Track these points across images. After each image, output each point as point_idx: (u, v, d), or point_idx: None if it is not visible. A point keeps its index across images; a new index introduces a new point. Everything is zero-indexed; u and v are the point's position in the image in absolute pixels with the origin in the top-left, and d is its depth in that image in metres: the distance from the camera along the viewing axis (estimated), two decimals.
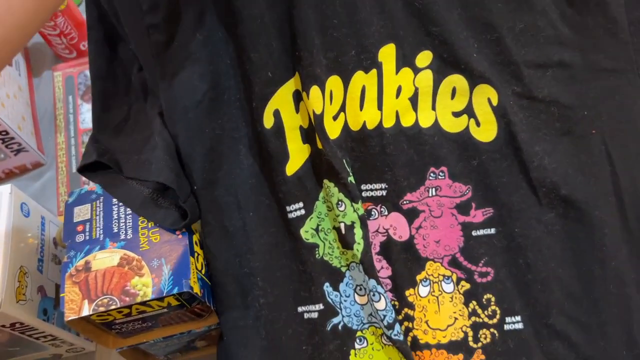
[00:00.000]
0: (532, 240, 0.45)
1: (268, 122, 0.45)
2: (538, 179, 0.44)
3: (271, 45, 0.43)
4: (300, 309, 0.46)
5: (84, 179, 0.64)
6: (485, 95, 0.44)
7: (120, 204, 0.50)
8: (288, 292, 0.46)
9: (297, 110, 0.45)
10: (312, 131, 0.45)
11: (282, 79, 0.44)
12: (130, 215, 0.50)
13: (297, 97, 0.44)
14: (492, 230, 0.45)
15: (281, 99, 0.44)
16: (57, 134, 0.68)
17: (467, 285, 0.45)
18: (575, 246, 0.45)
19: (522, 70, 0.44)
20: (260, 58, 0.43)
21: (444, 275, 0.45)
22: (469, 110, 0.45)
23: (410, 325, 0.45)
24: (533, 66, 0.44)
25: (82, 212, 0.50)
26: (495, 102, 0.44)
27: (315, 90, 0.43)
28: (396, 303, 0.45)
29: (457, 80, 0.44)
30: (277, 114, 0.44)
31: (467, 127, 0.45)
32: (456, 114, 0.45)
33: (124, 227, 0.49)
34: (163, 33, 0.44)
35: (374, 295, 0.43)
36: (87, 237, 0.49)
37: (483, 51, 0.44)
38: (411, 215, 0.45)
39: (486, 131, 0.45)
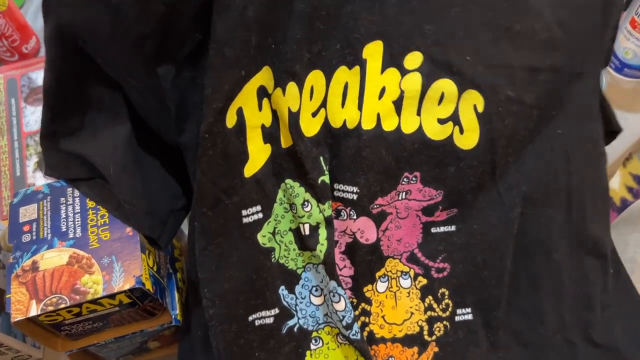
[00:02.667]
0: (491, 238, 0.45)
1: (230, 121, 0.41)
2: (502, 177, 0.44)
3: (249, 41, 0.39)
4: (251, 318, 0.45)
5: (29, 181, 0.63)
6: (472, 102, 0.42)
7: (69, 203, 0.49)
8: (237, 303, 0.45)
9: (260, 108, 0.42)
10: (275, 129, 0.43)
11: (250, 74, 0.40)
12: (79, 214, 0.49)
13: (262, 93, 0.41)
14: (452, 228, 0.45)
15: (245, 96, 0.41)
16: None
17: (424, 281, 0.46)
18: (527, 241, 0.46)
19: (517, 74, 0.42)
20: (234, 53, 0.39)
21: (402, 272, 0.46)
22: (454, 117, 0.43)
23: (367, 320, 0.45)
24: (526, 70, 0.42)
25: (28, 212, 0.49)
26: (480, 109, 0.42)
27: (292, 87, 0.41)
28: (354, 300, 0.45)
29: (446, 85, 0.42)
30: (239, 112, 0.42)
31: (451, 135, 0.43)
32: (442, 121, 0.43)
33: (72, 226, 0.48)
34: (156, 38, 0.39)
35: (333, 296, 0.43)
36: (34, 237, 0.48)
37: (479, 53, 0.42)
38: (379, 218, 0.45)
39: (468, 138, 0.43)
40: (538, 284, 0.47)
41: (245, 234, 0.44)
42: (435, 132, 0.43)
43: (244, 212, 0.44)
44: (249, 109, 0.42)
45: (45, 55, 0.45)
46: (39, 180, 0.63)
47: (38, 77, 0.71)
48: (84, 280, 0.45)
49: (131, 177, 0.47)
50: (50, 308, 0.44)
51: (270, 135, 0.43)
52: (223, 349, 0.45)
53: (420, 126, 0.42)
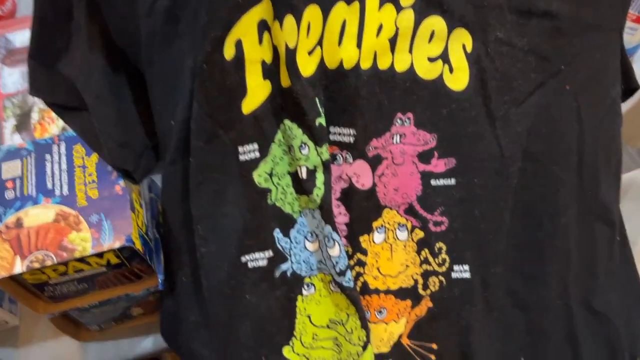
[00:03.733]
0: (489, 192, 0.45)
1: (228, 52, 0.41)
2: (503, 129, 0.44)
3: None
4: (243, 259, 0.45)
5: (6, 144, 0.60)
6: (461, 41, 0.43)
7: (55, 160, 0.48)
8: (231, 242, 0.45)
9: (261, 42, 0.41)
10: (275, 67, 0.42)
11: (249, 4, 0.40)
12: (66, 172, 0.47)
13: (263, 27, 0.41)
14: (452, 181, 0.45)
15: (245, 28, 0.41)
16: None
17: (421, 234, 0.46)
18: (529, 199, 0.46)
19: (506, 16, 0.42)
20: None
21: (399, 223, 0.46)
22: (444, 56, 0.43)
23: (362, 270, 0.45)
24: (517, 12, 0.42)
25: (11, 169, 0.48)
26: (469, 49, 0.43)
27: (289, 20, 0.40)
28: (349, 249, 0.45)
29: (436, 22, 0.42)
30: (239, 44, 0.41)
31: (441, 75, 0.43)
32: (432, 59, 0.43)
33: (59, 183, 0.47)
34: None
35: (328, 241, 0.43)
36: (18, 194, 0.46)
37: None
38: (375, 162, 0.44)
39: (458, 79, 0.43)
40: (543, 246, 0.46)
41: (242, 171, 0.44)
42: (425, 70, 0.43)
43: (240, 149, 0.44)
44: (248, 42, 0.41)
45: None
46: (17, 142, 0.61)
47: (16, 38, 0.68)
48: (72, 238, 0.44)
49: (105, 106, 0.46)
50: (36, 265, 0.43)
51: (270, 72, 0.42)
52: (214, 289, 0.45)
53: (412, 65, 0.43)
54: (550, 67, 0.44)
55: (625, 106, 0.76)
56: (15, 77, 0.66)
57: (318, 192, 0.43)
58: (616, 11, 0.45)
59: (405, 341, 0.47)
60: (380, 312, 0.46)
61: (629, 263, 0.51)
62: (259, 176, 0.44)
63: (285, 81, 0.42)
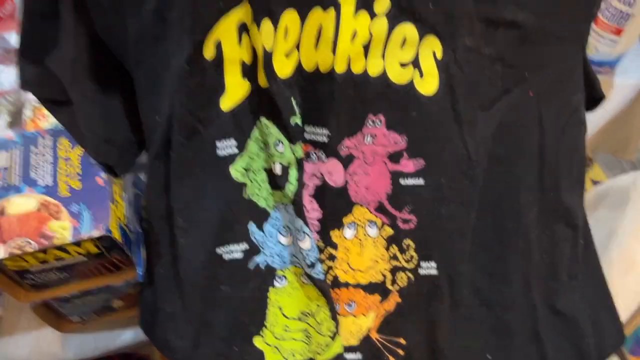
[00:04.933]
0: (456, 192, 0.47)
1: (208, 52, 0.43)
2: (470, 133, 0.46)
3: None
4: (219, 251, 0.47)
5: None
6: (431, 48, 0.44)
7: (40, 153, 0.49)
8: (207, 234, 0.47)
9: (240, 43, 0.43)
10: (254, 67, 0.44)
11: (229, 7, 0.42)
12: (51, 164, 0.49)
13: (242, 29, 0.43)
14: (421, 181, 0.47)
15: (224, 30, 0.42)
16: None
17: (390, 231, 0.47)
18: (494, 199, 0.48)
19: (475, 25, 0.44)
20: None
21: (369, 220, 0.47)
22: (415, 62, 0.44)
23: (332, 264, 0.47)
24: (485, 22, 0.44)
25: None
26: (439, 56, 0.44)
27: (267, 24, 0.42)
28: (321, 243, 0.47)
29: (408, 29, 0.44)
30: (218, 45, 0.43)
31: (412, 80, 0.45)
32: (403, 65, 0.44)
33: (42, 174, 0.48)
34: None
35: (299, 234, 0.45)
36: (4, 184, 0.48)
37: (441, 3, 0.43)
38: (347, 161, 0.46)
39: (428, 84, 0.45)
40: (506, 245, 0.48)
41: (219, 165, 0.46)
42: (397, 75, 0.44)
43: (218, 144, 0.45)
44: (228, 43, 0.43)
45: None
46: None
47: (11, 37, 0.70)
48: (52, 226, 0.46)
49: (90, 103, 0.48)
50: (17, 251, 0.44)
51: (249, 71, 0.44)
52: (190, 279, 0.47)
53: (384, 69, 0.44)
54: (516, 74, 0.46)
55: (611, 118, 0.79)
56: (10, 75, 0.68)
57: (291, 187, 0.45)
58: (579, 25, 0.47)
59: (374, 335, 0.48)
60: (349, 305, 0.47)
61: (594, 266, 0.52)
62: (236, 171, 0.46)
63: (262, 81, 0.44)
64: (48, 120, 0.65)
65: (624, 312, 0.64)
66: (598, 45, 0.72)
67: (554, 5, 0.45)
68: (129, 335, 0.60)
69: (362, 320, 0.48)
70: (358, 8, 0.42)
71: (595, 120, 0.76)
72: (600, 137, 0.79)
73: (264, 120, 0.45)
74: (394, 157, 0.46)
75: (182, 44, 0.42)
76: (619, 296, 0.57)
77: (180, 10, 0.42)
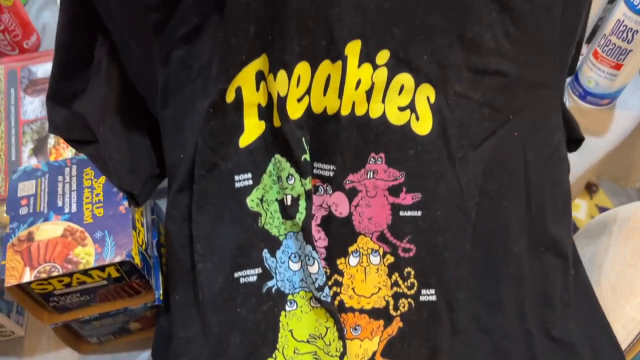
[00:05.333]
0: (451, 224, 0.51)
1: (230, 97, 0.48)
2: (461, 169, 0.50)
3: (249, 31, 0.45)
4: (236, 275, 0.50)
5: (24, 164, 0.65)
6: (426, 94, 0.49)
7: (66, 181, 0.53)
8: (225, 259, 0.50)
9: (258, 89, 0.48)
10: (269, 109, 0.48)
11: (250, 60, 0.47)
12: (75, 192, 0.52)
13: (260, 77, 0.48)
14: (419, 213, 0.51)
15: (245, 78, 0.47)
16: None
17: (392, 259, 0.51)
18: (486, 230, 0.51)
19: (464, 73, 0.49)
20: (238, 42, 0.45)
21: (372, 249, 0.51)
22: (411, 106, 0.50)
23: (338, 290, 0.50)
24: (473, 71, 0.49)
25: (26, 187, 0.52)
26: (432, 101, 0.49)
27: (282, 74, 0.47)
28: (328, 270, 0.50)
29: (405, 78, 0.49)
30: (238, 90, 0.48)
31: (409, 121, 0.50)
32: (401, 109, 0.50)
33: (68, 202, 0.51)
34: (161, 12, 0.45)
35: (308, 259, 0.48)
36: (31, 210, 0.51)
37: (435, 54, 0.48)
38: (351, 194, 0.50)
39: (423, 125, 0.50)
40: (498, 273, 0.51)
41: (237, 196, 0.50)
42: (396, 117, 0.49)
43: (236, 178, 0.50)
44: (247, 88, 0.48)
45: (62, 15, 0.49)
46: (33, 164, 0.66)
47: (38, 70, 0.74)
48: (77, 252, 0.48)
49: (117, 137, 0.52)
50: (43, 275, 0.47)
51: (265, 113, 0.49)
52: (208, 302, 0.50)
53: (384, 112, 0.49)
54: (501, 116, 0.51)
55: (612, 149, 0.81)
56: (35, 105, 0.71)
57: (300, 216, 0.49)
58: (556, 73, 0.52)
59: (379, 358, 0.50)
60: (355, 329, 0.50)
61: (587, 295, 0.54)
62: (252, 201, 0.50)
63: (277, 122, 0.48)
64: (70, 149, 0.68)
65: (625, 339, 0.65)
66: (599, 80, 0.74)
67: (533, 57, 0.50)
68: (145, 356, 0.62)
69: (367, 344, 0.50)
70: (362, 61, 0.48)
71: (597, 150, 0.78)
72: (602, 166, 0.82)
73: (277, 156, 0.49)
74: (394, 191, 0.50)
75: (207, 91, 0.47)
76: (620, 323, 0.59)
77: (206, 58, 0.46)
